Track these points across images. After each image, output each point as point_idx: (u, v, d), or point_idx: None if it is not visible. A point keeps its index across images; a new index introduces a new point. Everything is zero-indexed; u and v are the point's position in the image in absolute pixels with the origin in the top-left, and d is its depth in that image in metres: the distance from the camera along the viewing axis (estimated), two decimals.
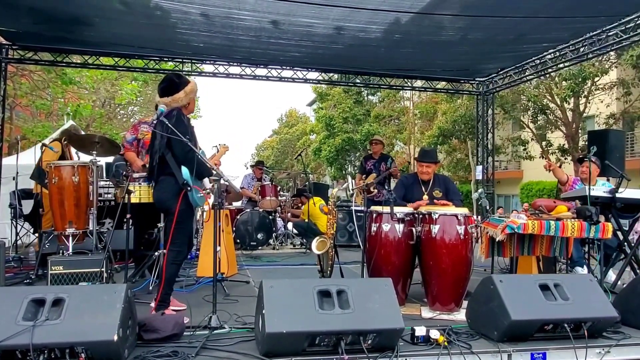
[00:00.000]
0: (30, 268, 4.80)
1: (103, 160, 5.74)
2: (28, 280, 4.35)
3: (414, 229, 3.59)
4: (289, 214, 8.19)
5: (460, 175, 21.77)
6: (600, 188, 4.35)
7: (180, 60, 7.57)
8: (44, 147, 4.98)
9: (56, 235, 4.38)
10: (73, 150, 5.27)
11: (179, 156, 3.24)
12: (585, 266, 4.53)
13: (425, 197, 4.12)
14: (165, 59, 7.62)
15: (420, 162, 4.24)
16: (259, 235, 6.99)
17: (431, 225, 3.47)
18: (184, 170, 3.19)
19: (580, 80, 14.05)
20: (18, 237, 5.86)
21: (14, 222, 5.74)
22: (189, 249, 3.75)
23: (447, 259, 3.42)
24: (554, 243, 4.09)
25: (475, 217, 4.08)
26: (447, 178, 4.54)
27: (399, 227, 3.55)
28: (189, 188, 3.19)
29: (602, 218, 4.03)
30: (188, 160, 3.21)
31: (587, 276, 3.15)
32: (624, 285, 3.65)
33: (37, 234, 5.36)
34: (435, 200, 4.03)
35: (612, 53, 12.99)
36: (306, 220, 7.09)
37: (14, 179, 5.68)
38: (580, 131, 15.92)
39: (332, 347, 2.47)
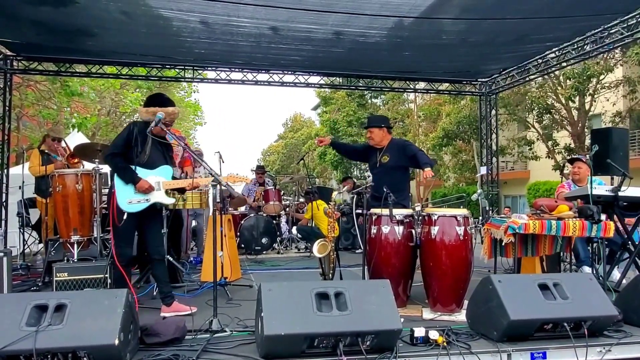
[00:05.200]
0: (38, 275, 4.87)
1: (107, 168, 5.81)
2: (35, 288, 4.42)
3: (413, 231, 3.61)
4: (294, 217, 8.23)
5: (467, 176, 21.65)
6: (600, 187, 4.33)
7: (183, 67, 7.66)
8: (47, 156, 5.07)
9: (61, 242, 4.44)
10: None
11: None
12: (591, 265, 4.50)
13: (378, 164, 4.28)
14: (167, 66, 7.71)
15: (364, 128, 4.53)
16: (264, 240, 7.02)
17: (430, 227, 3.48)
18: (114, 174, 3.51)
19: (584, 78, 13.96)
20: (26, 245, 5.95)
21: (22, 231, 5.84)
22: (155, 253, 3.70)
23: (447, 260, 3.43)
24: (556, 242, 4.07)
25: (479, 218, 4.09)
26: (401, 141, 4.59)
27: (399, 229, 3.56)
28: (112, 191, 3.44)
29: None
30: (107, 164, 3.61)
31: (586, 275, 3.14)
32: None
33: (43, 242, 5.43)
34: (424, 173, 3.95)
35: (617, 50, 12.89)
36: (310, 225, 7.12)
37: (20, 188, 5.76)
38: (586, 130, 15.80)
39: (330, 348, 2.50)
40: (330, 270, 4.08)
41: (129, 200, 3.42)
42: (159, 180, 3.51)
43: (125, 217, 3.40)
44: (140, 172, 3.46)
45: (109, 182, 6.68)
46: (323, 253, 3.99)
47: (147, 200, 3.46)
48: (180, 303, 3.65)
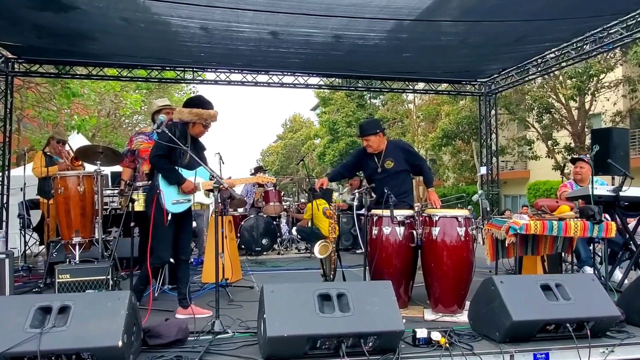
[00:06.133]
0: (39, 277, 4.86)
1: (108, 170, 5.82)
2: (37, 289, 4.42)
3: (414, 232, 3.61)
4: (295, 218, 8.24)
5: (466, 176, 21.65)
6: (601, 187, 4.33)
7: (182, 69, 7.66)
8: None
9: (63, 244, 4.45)
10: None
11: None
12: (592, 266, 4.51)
13: (379, 169, 4.11)
14: (167, 68, 7.72)
15: (360, 137, 4.23)
16: (264, 241, 7.03)
17: (432, 228, 3.49)
18: (158, 175, 3.46)
19: (585, 77, 13.97)
20: (27, 247, 5.95)
21: (23, 232, 5.84)
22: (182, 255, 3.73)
23: (448, 261, 3.43)
24: (556, 242, 4.08)
25: (480, 220, 4.11)
26: (401, 143, 4.45)
27: (400, 230, 3.57)
28: (157, 191, 3.40)
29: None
30: (153, 165, 3.52)
31: (589, 275, 3.14)
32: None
33: (44, 244, 5.43)
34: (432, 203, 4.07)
35: (617, 50, 12.90)
36: (310, 225, 7.12)
37: (21, 189, 5.77)
38: (586, 129, 15.81)
39: (333, 350, 2.49)
40: (331, 271, 4.08)
41: (173, 200, 3.45)
42: (198, 181, 3.54)
43: (169, 217, 3.41)
44: (182, 173, 3.48)
45: (109, 184, 6.75)
46: (324, 254, 3.99)
47: (189, 200, 3.50)
48: (197, 306, 3.62)
